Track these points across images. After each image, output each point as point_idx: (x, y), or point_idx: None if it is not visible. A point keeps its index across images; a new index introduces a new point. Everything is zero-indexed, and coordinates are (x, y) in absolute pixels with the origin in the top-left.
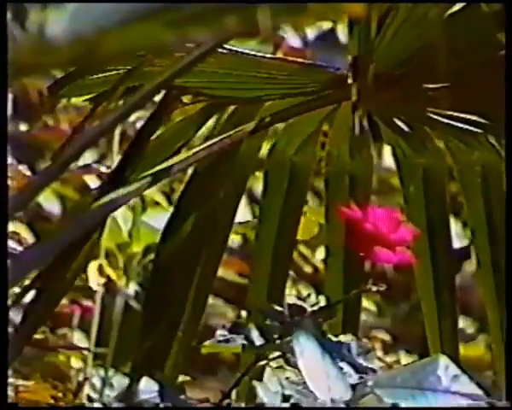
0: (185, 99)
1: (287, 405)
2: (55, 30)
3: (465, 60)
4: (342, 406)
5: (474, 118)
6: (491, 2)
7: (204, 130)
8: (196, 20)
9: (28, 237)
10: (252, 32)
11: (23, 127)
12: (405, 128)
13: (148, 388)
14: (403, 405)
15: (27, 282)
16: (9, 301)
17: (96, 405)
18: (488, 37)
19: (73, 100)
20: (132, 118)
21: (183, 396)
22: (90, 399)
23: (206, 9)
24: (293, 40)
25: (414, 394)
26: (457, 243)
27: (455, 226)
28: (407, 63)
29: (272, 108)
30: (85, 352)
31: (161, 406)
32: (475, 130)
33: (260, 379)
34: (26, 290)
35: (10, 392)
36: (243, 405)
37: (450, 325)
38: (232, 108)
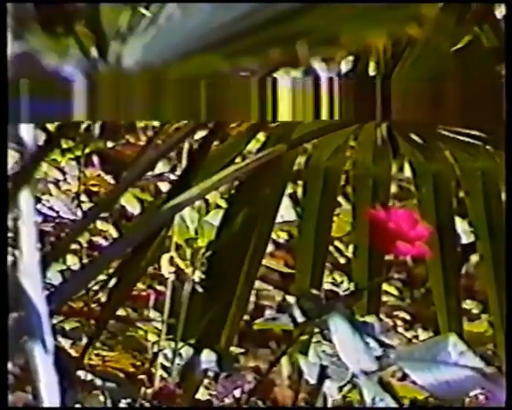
0: None
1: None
2: (129, 60)
3: (469, 86)
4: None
5: (475, 133)
6: (491, 3)
7: (253, 143)
8: (247, 52)
9: (114, 234)
10: (293, 62)
11: (109, 144)
12: (419, 141)
13: (208, 358)
14: (420, 375)
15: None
16: (97, 286)
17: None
18: (489, 67)
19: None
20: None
21: (237, 365)
22: (163, 367)
23: (256, 43)
24: (328, 72)
25: (429, 366)
26: (465, 239)
27: (463, 225)
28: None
29: (308, 126)
30: (159, 326)
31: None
32: (477, 142)
33: (306, 352)
34: (110, 277)
35: (98, 361)
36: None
37: (455, 306)
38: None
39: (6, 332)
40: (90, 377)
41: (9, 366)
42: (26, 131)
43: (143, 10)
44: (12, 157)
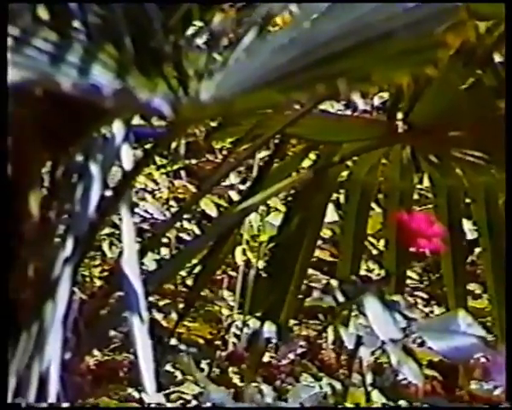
0: (292, 141)
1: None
2: (206, 95)
3: (475, 117)
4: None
5: (480, 154)
6: (491, 3)
7: (306, 161)
8: (299, 87)
9: (197, 232)
10: (335, 95)
11: (193, 161)
12: (436, 160)
13: (269, 328)
14: (436, 342)
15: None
16: (184, 273)
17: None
18: (491, 102)
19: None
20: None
21: (291, 334)
22: (235, 335)
23: (305, 80)
24: (364, 105)
25: (443, 335)
26: (470, 236)
27: (469, 225)
28: (438, 118)
29: (349, 148)
30: (231, 302)
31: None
32: (480, 162)
33: (346, 324)
34: (195, 265)
35: (184, 330)
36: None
37: (462, 287)
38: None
39: (6, 332)
40: (177, 342)
41: (115, 333)
42: (126, 151)
43: (216, 56)
44: (115, 171)
